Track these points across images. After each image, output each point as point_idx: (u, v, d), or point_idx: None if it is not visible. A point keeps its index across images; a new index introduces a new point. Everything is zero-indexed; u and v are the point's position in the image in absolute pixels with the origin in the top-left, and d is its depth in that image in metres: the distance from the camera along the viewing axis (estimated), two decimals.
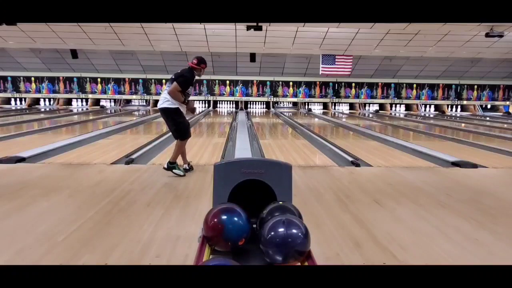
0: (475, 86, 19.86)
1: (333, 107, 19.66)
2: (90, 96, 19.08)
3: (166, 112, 4.56)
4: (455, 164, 5.55)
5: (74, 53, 16.52)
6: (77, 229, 2.83)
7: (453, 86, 19.80)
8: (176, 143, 4.73)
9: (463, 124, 13.66)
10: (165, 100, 4.53)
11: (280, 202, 2.02)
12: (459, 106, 20.16)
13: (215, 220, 1.85)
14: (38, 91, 18.88)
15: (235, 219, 1.86)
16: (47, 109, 17.89)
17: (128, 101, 19.79)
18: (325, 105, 19.58)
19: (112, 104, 19.50)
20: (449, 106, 20.12)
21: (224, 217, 1.86)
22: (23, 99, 19.03)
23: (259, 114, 17.00)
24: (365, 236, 2.79)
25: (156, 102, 19.47)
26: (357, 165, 5.39)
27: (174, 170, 4.57)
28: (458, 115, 19.01)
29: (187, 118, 4.73)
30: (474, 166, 5.44)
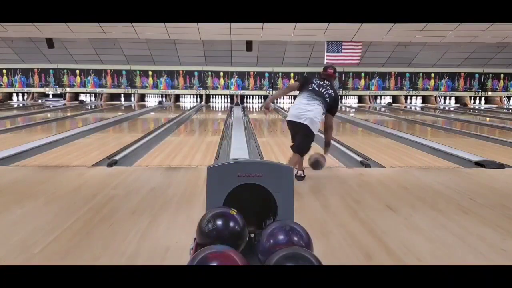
0: (501, 75, 19.89)
1: (339, 100, 19.65)
2: (68, 90, 19.08)
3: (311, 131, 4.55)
4: (479, 164, 5.56)
5: (50, 42, 16.49)
6: (54, 240, 2.84)
7: (476, 75, 19.83)
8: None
9: (488, 119, 13.68)
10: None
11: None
12: (483, 98, 20.20)
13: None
14: (11, 84, 18.88)
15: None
16: (21, 104, 17.89)
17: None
18: None
19: (93, 98, 19.50)
20: (472, 98, 20.15)
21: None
22: None
23: (257, 110, 17.01)
24: (377, 247, 2.79)
25: (142, 96, 19.50)
26: (367, 165, 5.39)
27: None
28: (482, 108, 19.04)
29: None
30: (501, 166, 5.45)
